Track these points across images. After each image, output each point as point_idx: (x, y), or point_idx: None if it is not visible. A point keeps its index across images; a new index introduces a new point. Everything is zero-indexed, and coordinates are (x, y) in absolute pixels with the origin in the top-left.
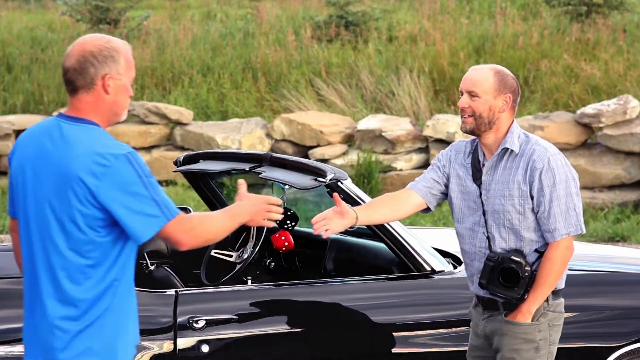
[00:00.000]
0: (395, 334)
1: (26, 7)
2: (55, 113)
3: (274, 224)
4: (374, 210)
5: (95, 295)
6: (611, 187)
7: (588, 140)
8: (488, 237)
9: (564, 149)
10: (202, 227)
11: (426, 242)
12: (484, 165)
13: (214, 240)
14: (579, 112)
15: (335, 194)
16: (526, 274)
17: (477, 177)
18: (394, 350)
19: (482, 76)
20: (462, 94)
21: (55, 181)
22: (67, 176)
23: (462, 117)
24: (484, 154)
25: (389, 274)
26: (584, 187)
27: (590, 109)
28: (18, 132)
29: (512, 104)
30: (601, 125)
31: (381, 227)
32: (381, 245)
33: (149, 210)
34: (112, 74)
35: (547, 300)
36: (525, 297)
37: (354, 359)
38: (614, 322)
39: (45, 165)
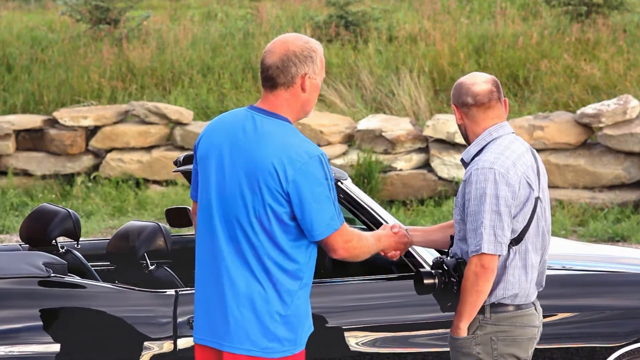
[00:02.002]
0: (395, 334)
1: (26, 7)
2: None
3: (397, 258)
4: (429, 233)
5: (276, 282)
6: (611, 187)
7: (588, 140)
8: (451, 242)
9: (564, 149)
10: (358, 243)
11: None
12: None
13: (359, 259)
14: (579, 112)
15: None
16: (442, 285)
17: None
18: (394, 350)
19: None
20: None
21: (247, 171)
22: (260, 166)
23: None
24: None
25: (389, 273)
26: (584, 187)
27: (590, 109)
28: (18, 132)
29: (466, 111)
30: (601, 125)
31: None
32: None
33: (328, 212)
34: (310, 73)
35: (483, 313)
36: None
37: (354, 359)
38: (614, 322)
39: (238, 155)
